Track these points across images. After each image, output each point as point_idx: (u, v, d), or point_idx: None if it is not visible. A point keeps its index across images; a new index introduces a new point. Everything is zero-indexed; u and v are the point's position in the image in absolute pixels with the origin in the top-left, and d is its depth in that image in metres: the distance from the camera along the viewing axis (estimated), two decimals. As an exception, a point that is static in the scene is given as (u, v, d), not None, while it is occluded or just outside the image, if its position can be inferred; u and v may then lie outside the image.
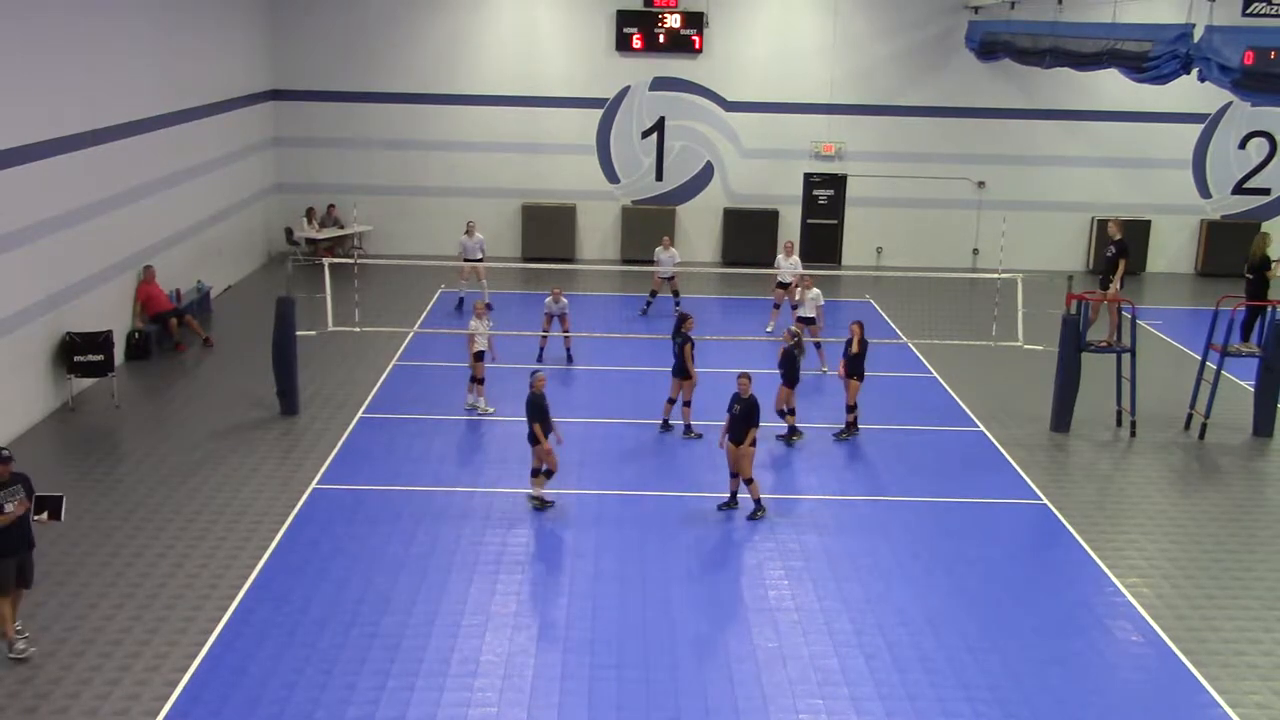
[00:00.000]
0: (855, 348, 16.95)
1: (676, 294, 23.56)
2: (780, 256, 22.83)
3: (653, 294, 23.97)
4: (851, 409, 17.21)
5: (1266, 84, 16.80)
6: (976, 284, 26.30)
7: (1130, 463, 16.87)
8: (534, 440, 14.47)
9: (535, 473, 14.63)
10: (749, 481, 14.39)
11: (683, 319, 17.49)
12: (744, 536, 14.03)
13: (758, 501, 14.46)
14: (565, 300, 20.63)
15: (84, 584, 12.36)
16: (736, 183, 29.12)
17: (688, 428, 17.24)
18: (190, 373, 19.93)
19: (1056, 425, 17.77)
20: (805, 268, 22.64)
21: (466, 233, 23.91)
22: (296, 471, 15.59)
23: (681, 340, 17.05)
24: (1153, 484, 16.05)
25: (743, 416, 14.21)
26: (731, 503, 14.60)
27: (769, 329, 22.41)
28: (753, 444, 14.28)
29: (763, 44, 28.46)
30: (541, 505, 14.61)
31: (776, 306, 22.74)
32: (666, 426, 17.32)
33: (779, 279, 22.57)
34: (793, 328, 17.38)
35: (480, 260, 23.78)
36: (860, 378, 17.05)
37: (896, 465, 16.39)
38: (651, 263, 23.91)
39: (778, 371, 17.05)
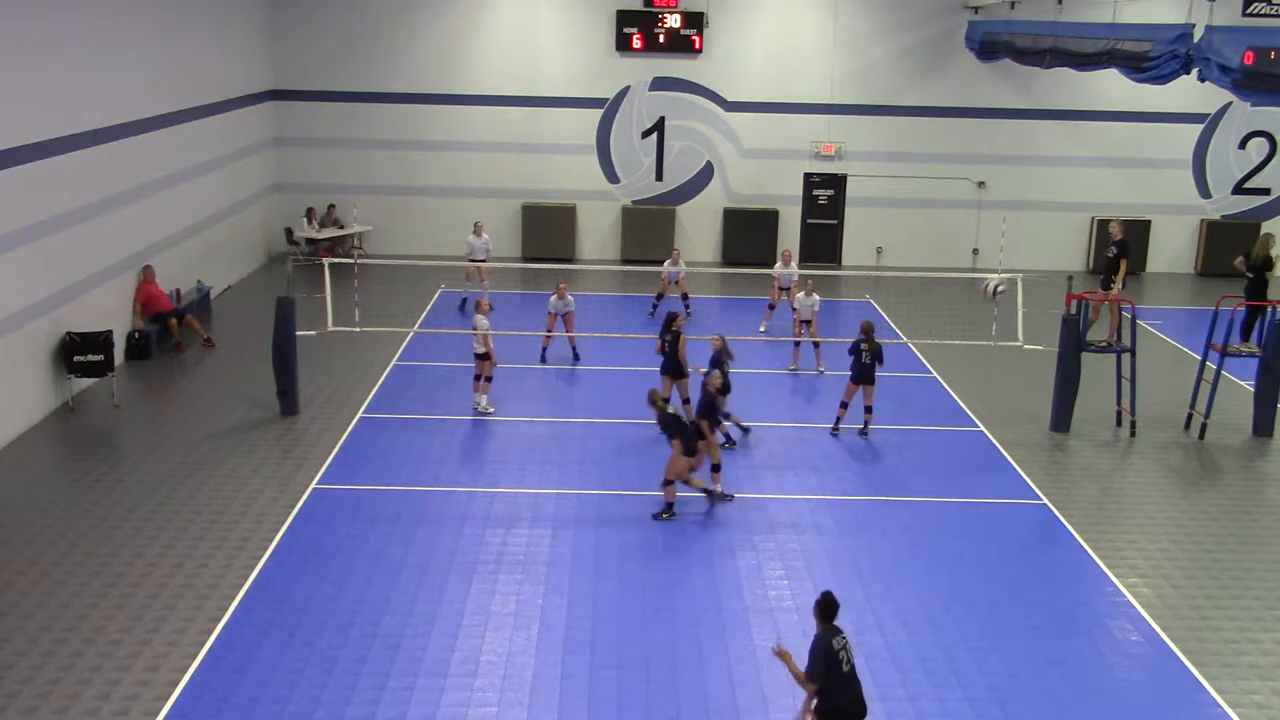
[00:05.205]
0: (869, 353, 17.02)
1: (685, 296, 23.44)
2: (779, 265, 22.87)
3: (659, 296, 23.93)
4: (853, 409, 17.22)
5: (1266, 84, 16.82)
6: (977, 284, 26.24)
7: (1130, 463, 16.87)
8: (702, 436, 14.69)
9: (716, 469, 14.94)
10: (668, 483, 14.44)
11: (672, 318, 17.52)
12: (744, 537, 14.02)
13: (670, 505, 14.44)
14: (571, 298, 20.64)
15: (84, 584, 12.36)
16: (736, 183, 29.11)
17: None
18: (190, 373, 19.93)
19: (1056, 425, 17.77)
20: (806, 268, 22.61)
21: (474, 232, 23.97)
22: (296, 471, 15.59)
23: (672, 338, 17.09)
24: (1153, 484, 16.05)
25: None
26: (666, 513, 14.47)
27: (762, 329, 22.43)
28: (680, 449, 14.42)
29: (763, 44, 28.45)
30: (724, 498, 14.90)
31: (771, 307, 22.78)
32: None
33: (779, 284, 22.64)
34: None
35: (484, 261, 23.81)
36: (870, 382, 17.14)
37: (896, 465, 16.39)
38: (652, 263, 23.88)
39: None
